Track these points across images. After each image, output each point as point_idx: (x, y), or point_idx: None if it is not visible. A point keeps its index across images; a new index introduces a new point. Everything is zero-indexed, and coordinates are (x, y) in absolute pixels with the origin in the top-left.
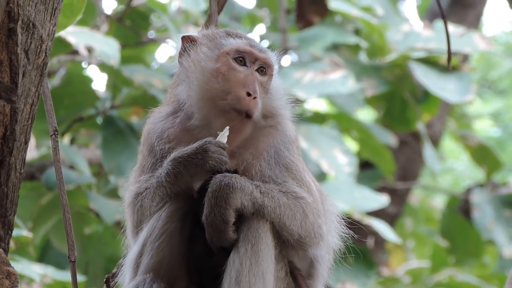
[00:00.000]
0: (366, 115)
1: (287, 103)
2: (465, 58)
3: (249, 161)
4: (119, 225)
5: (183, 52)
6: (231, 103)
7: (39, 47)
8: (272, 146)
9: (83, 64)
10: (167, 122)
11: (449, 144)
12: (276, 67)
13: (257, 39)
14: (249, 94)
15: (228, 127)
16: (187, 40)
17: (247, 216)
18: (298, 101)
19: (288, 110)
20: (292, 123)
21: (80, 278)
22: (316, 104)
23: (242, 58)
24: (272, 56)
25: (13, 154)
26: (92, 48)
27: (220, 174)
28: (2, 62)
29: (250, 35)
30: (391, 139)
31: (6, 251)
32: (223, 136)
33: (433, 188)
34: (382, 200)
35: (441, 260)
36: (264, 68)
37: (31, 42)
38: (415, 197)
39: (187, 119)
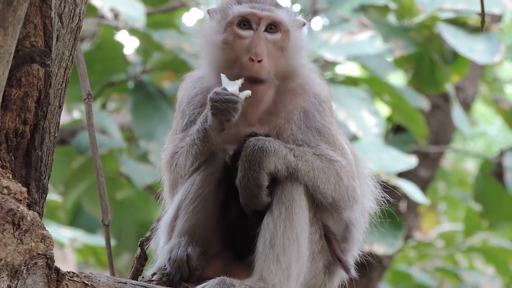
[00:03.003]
0: (397, 79)
1: (310, 62)
2: (494, 18)
3: (281, 125)
4: (150, 189)
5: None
6: (237, 72)
7: (72, 10)
8: (302, 109)
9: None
10: (196, 87)
11: (481, 108)
12: (290, 24)
13: (288, 3)
14: (251, 60)
15: (242, 79)
16: (209, 13)
17: (280, 179)
18: (326, 63)
19: (314, 69)
20: (323, 82)
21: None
22: (348, 68)
23: (246, 22)
24: (280, 13)
25: (47, 118)
26: (118, 12)
27: (253, 138)
28: (36, 26)
29: None
30: (423, 103)
31: (40, 214)
32: (232, 85)
33: (466, 152)
34: (410, 161)
35: (474, 224)
36: (273, 26)
37: (64, 6)
38: (448, 161)
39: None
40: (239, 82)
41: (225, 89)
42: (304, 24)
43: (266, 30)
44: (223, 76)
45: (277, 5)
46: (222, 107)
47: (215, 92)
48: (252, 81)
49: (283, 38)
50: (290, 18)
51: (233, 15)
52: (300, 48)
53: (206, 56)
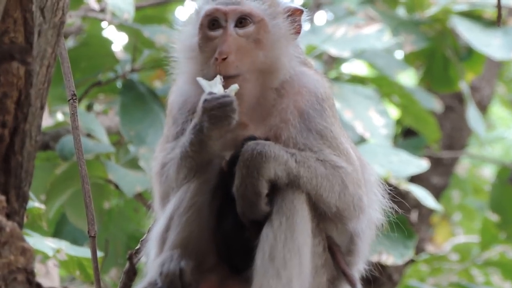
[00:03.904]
0: (407, 78)
1: (301, 54)
2: None
3: (277, 125)
4: (140, 197)
5: None
6: (207, 74)
7: (55, 4)
8: (297, 108)
9: (102, 24)
10: (189, 90)
11: (499, 110)
12: (266, 13)
13: None
14: (216, 59)
15: (219, 76)
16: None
17: (281, 187)
18: (330, 60)
19: (308, 63)
20: (322, 78)
21: (99, 255)
22: (355, 67)
23: (215, 21)
24: (251, 3)
25: (28, 120)
26: (105, 3)
27: (252, 142)
28: (16, 21)
29: None
30: (435, 104)
31: (20, 225)
32: (214, 86)
33: (482, 157)
34: (422, 165)
35: (491, 235)
36: (243, 19)
37: None
38: (463, 167)
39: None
40: (218, 79)
41: (212, 93)
42: (300, 11)
43: (236, 25)
44: (199, 79)
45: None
46: (221, 113)
47: (205, 100)
48: (225, 79)
49: (257, 30)
50: (265, 6)
51: (201, 16)
52: (282, 38)
53: (183, 62)
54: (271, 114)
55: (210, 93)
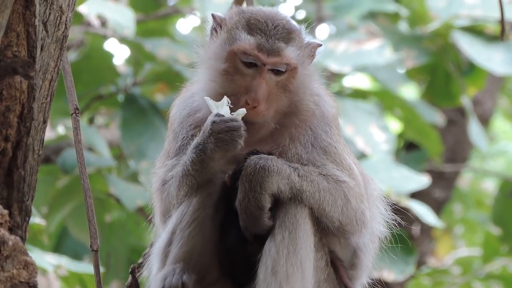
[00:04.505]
0: (410, 92)
1: (318, 79)
2: None
3: (285, 145)
4: (142, 211)
5: (212, 31)
6: (232, 106)
7: (58, 18)
8: (308, 128)
9: (104, 37)
10: (187, 107)
11: (501, 124)
12: (300, 59)
13: (291, 10)
14: (247, 103)
15: (226, 98)
16: (216, 20)
17: (284, 201)
18: (332, 74)
19: (322, 86)
20: (331, 99)
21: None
22: (357, 81)
23: (251, 59)
24: (290, 51)
25: (30, 134)
26: (106, 19)
27: (255, 156)
28: (18, 34)
29: (280, 11)
30: (437, 118)
31: (23, 239)
32: (221, 107)
33: (484, 171)
34: (422, 181)
35: (493, 249)
36: (280, 69)
37: (50, 13)
38: (465, 181)
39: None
40: (225, 100)
41: (220, 114)
42: (319, 45)
43: (271, 69)
44: (207, 99)
45: (289, 38)
46: (228, 137)
47: (214, 122)
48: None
49: (288, 77)
50: (301, 51)
51: (238, 48)
52: (307, 81)
53: (204, 75)
54: (282, 134)
55: (218, 114)
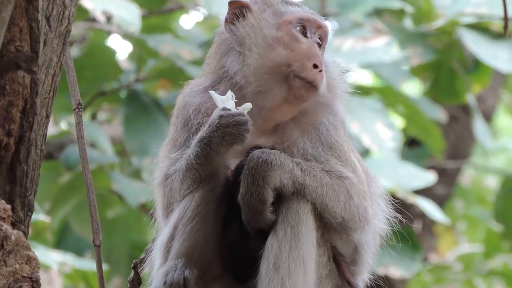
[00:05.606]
0: (413, 88)
1: (341, 79)
2: None
3: (296, 138)
4: (144, 208)
5: (232, 18)
6: (296, 70)
7: (61, 13)
8: (321, 124)
9: (107, 33)
10: (206, 95)
11: (503, 120)
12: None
13: None
14: (315, 66)
15: (230, 92)
16: (236, 6)
17: (286, 196)
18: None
19: (342, 87)
20: (341, 102)
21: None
22: (360, 77)
23: (303, 27)
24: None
25: (33, 129)
26: (111, 15)
27: (257, 150)
28: (21, 29)
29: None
30: (440, 114)
31: (26, 234)
32: (226, 102)
33: (486, 167)
34: (428, 178)
35: (494, 245)
36: (321, 41)
37: (52, 8)
38: (467, 177)
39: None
40: (229, 95)
41: (226, 108)
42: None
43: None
44: (212, 92)
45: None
46: (235, 131)
47: (220, 115)
48: (308, 85)
49: (322, 53)
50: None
51: (293, 16)
52: (332, 64)
53: (254, 49)
54: (296, 125)
55: (225, 108)
